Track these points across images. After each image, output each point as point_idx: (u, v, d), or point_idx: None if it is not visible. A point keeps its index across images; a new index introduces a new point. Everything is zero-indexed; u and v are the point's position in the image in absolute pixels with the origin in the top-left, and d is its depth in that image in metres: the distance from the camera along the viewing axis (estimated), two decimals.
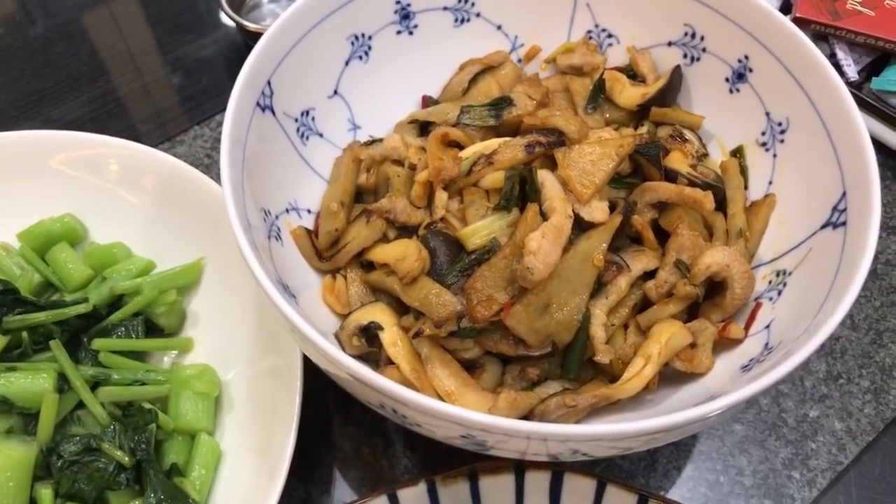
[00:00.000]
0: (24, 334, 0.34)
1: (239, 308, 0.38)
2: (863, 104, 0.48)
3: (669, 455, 0.38)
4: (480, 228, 0.34)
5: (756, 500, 0.37)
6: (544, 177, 0.35)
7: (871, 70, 0.50)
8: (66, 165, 0.41)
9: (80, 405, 0.34)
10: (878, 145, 0.48)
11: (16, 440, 0.31)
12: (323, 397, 0.39)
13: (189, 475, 0.33)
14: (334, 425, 0.39)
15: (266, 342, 0.37)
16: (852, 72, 0.49)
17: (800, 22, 0.50)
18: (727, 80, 0.39)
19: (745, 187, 0.39)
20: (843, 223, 0.32)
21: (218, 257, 0.39)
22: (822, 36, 0.50)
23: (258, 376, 0.37)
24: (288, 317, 0.27)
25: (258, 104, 0.35)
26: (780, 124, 0.37)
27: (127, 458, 0.32)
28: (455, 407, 0.25)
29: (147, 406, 0.34)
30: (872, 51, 0.50)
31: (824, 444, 0.38)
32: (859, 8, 0.49)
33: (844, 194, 0.32)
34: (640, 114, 0.41)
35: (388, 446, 0.38)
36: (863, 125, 0.33)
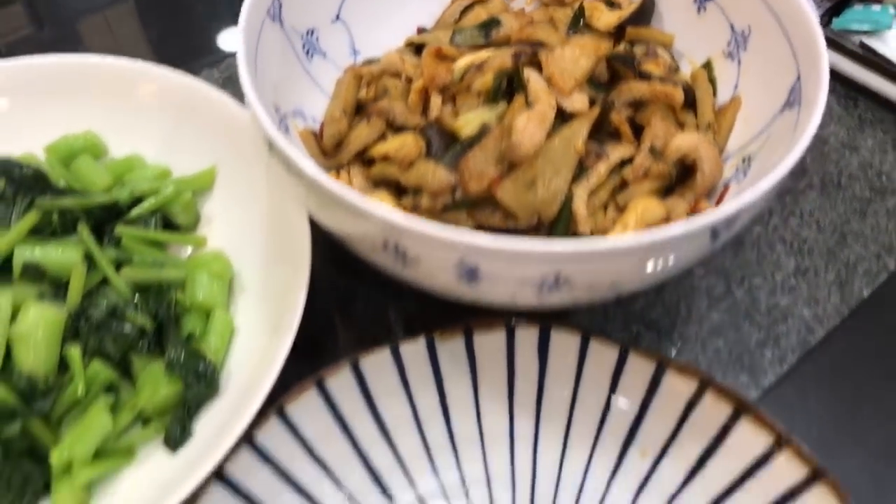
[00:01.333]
0: (55, 216, 0.37)
1: (249, 212, 0.41)
2: (832, 45, 0.52)
3: (650, 340, 0.41)
4: (472, 119, 0.38)
5: (733, 374, 0.40)
6: (530, 73, 0.38)
7: (833, 13, 0.54)
8: (91, 87, 0.44)
9: (104, 285, 0.37)
10: (841, 78, 0.52)
11: (47, 303, 0.34)
12: (327, 300, 0.42)
13: (205, 343, 0.36)
14: (337, 320, 0.42)
15: (275, 241, 0.40)
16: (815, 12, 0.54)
17: None
18: (694, 1, 0.44)
19: (714, 95, 0.42)
20: (798, 102, 0.35)
21: (230, 167, 0.43)
22: None
23: (269, 268, 0.39)
24: (289, 155, 0.30)
25: (268, 13, 0.39)
26: (742, 33, 0.41)
27: (148, 324, 0.35)
28: (450, 228, 0.28)
29: (166, 285, 0.37)
30: None
31: (794, 328, 0.41)
32: None
33: (799, 78, 0.36)
34: (616, 37, 0.45)
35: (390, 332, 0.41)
36: (814, 19, 0.37)
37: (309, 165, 0.30)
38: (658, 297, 0.42)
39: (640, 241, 0.28)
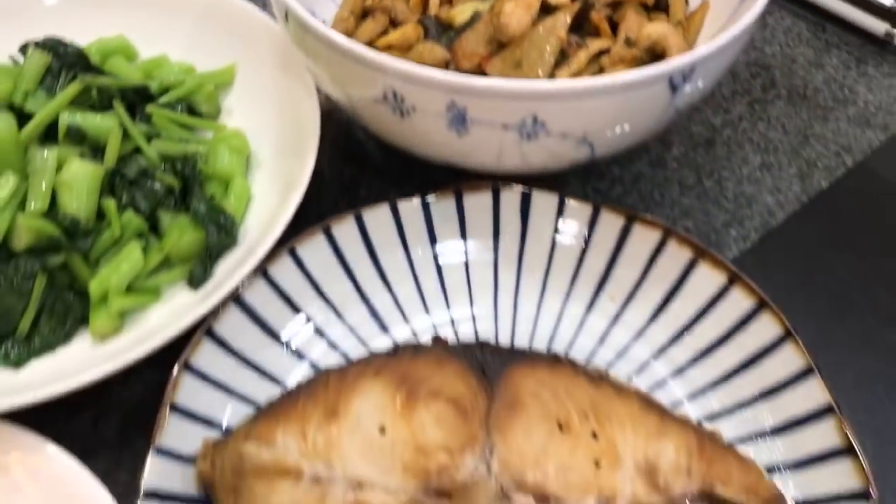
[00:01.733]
0: (94, 92, 0.41)
1: (265, 105, 0.46)
2: None
3: None
4: (465, 9, 0.42)
5: None
6: None
7: None
8: None
9: (136, 153, 0.41)
10: (811, 6, 0.57)
11: (88, 160, 0.39)
12: (333, 188, 0.47)
13: (225, 203, 0.40)
14: (342, 205, 0.47)
15: (288, 128, 0.44)
16: None
17: None
18: None
19: (687, 3, 0.47)
20: None
21: (249, 66, 0.47)
22: None
23: (281, 148, 0.44)
24: (303, 17, 0.35)
25: None
26: None
27: (176, 183, 0.40)
28: (442, 71, 0.33)
29: (191, 156, 0.42)
30: None
31: (757, 212, 0.46)
32: None
33: None
34: None
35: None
36: None
37: (321, 26, 0.35)
38: (634, 186, 0.47)
39: (604, 82, 0.32)
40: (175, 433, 0.32)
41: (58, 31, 0.47)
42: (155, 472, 0.31)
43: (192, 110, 0.45)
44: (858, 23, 0.55)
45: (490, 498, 0.30)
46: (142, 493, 0.30)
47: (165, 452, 0.31)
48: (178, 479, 0.31)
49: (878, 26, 0.54)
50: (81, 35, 0.47)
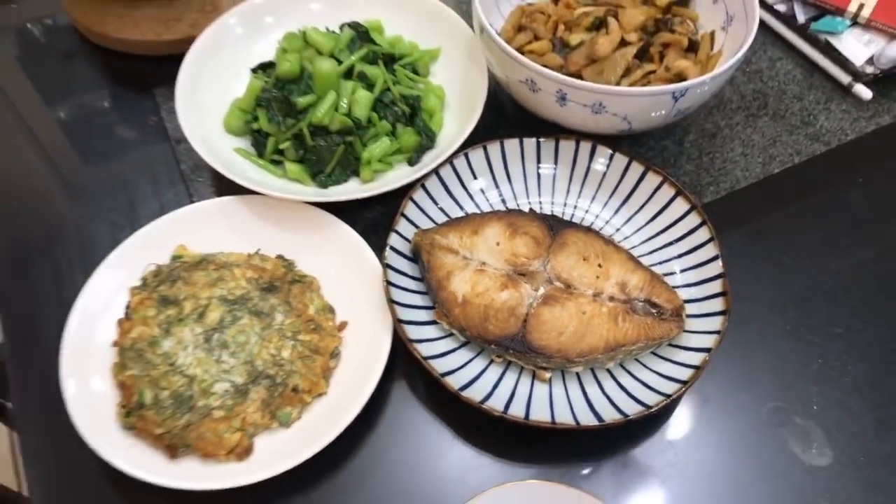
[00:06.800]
0: (370, 53, 0.76)
1: (455, 74, 0.80)
2: (807, 38, 0.86)
3: None
4: (577, 36, 0.75)
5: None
6: (610, 20, 0.75)
7: (813, 19, 0.88)
8: None
9: (387, 91, 0.76)
10: (809, 60, 0.86)
11: (365, 90, 0.74)
12: (485, 132, 0.81)
13: (431, 125, 0.75)
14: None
15: (467, 91, 0.78)
16: (802, 18, 0.87)
17: None
18: None
19: (712, 47, 0.78)
20: (740, 49, 0.70)
21: (448, 50, 0.81)
22: None
23: (462, 96, 0.78)
24: (494, 36, 0.69)
25: None
26: (730, 17, 0.76)
27: (406, 110, 0.75)
28: (558, 74, 0.66)
29: (415, 96, 0.76)
30: (816, 8, 0.87)
31: (729, 180, 0.77)
32: None
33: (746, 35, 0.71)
34: (665, 9, 0.80)
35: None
36: (756, 16, 0.72)
37: (499, 39, 0.68)
38: (660, 153, 0.79)
39: (638, 91, 0.65)
40: (402, 226, 0.67)
41: (354, 14, 0.82)
42: (393, 241, 0.66)
43: (415, 70, 0.80)
44: (833, 74, 0.84)
45: (544, 280, 0.65)
46: (388, 247, 0.65)
47: (398, 233, 0.67)
48: (403, 247, 0.67)
49: (845, 78, 0.83)
50: (360, 16, 0.82)
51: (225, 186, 0.72)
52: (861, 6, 0.84)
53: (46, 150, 0.80)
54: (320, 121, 0.70)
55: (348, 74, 0.75)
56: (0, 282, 0.70)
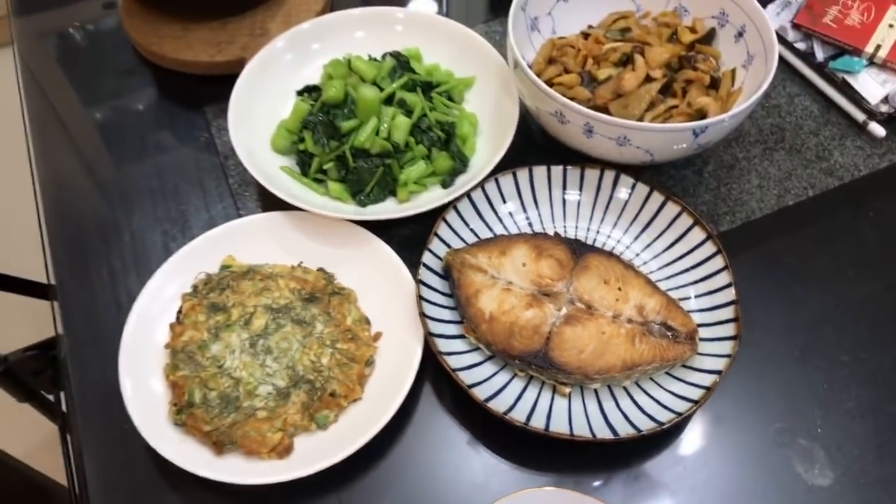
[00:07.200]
0: (409, 81, 0.82)
1: (487, 102, 0.85)
2: (825, 76, 0.90)
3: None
4: (605, 71, 0.79)
5: (706, 222, 0.80)
6: (637, 56, 0.79)
7: (831, 58, 0.92)
8: (409, 28, 0.89)
9: (424, 117, 0.81)
10: (826, 98, 0.90)
11: (404, 115, 0.79)
12: (514, 157, 0.85)
13: (465, 150, 0.80)
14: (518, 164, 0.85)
15: (498, 118, 0.83)
16: (820, 56, 0.91)
17: (797, 26, 0.92)
18: (734, 36, 0.83)
19: (733, 84, 0.82)
20: (760, 88, 0.75)
21: (482, 79, 0.86)
22: (808, 35, 0.93)
23: (494, 123, 0.83)
24: (528, 71, 0.73)
25: (521, 7, 0.82)
26: (751, 56, 0.80)
27: (441, 135, 0.80)
28: (585, 109, 0.70)
29: (450, 122, 0.81)
30: (835, 47, 0.91)
31: (745, 211, 0.81)
32: (829, 22, 0.91)
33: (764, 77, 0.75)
34: (689, 47, 0.85)
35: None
36: (776, 58, 0.76)
37: (532, 73, 0.73)
38: (679, 182, 0.83)
39: (661, 127, 0.69)
40: (435, 245, 0.72)
41: (395, 42, 0.88)
42: (426, 259, 0.71)
43: (450, 97, 0.85)
44: (849, 111, 0.88)
45: (567, 301, 0.69)
46: (421, 265, 0.70)
47: (431, 251, 0.71)
48: (435, 264, 0.72)
49: (860, 115, 0.87)
50: (400, 44, 0.88)
51: (270, 201, 0.77)
52: (878, 47, 0.87)
53: (104, 161, 0.86)
54: (362, 144, 0.76)
55: (389, 101, 0.80)
56: (61, 282, 0.76)
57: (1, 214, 1.93)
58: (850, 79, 0.89)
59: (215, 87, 0.88)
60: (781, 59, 0.93)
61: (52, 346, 1.08)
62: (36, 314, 1.20)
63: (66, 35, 0.99)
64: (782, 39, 0.93)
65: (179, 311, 0.70)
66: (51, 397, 1.21)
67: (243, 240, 0.74)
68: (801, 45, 0.93)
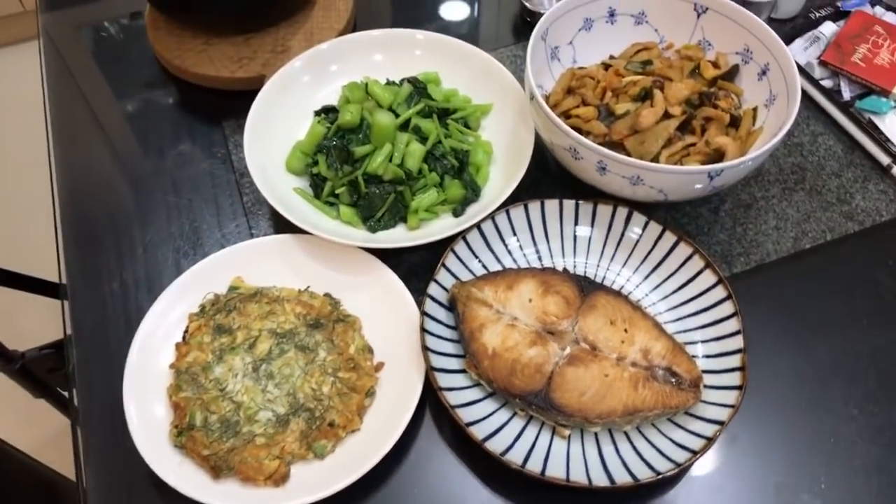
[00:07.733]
0: (425, 107, 0.81)
1: (503, 130, 0.85)
2: (850, 116, 0.88)
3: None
4: (623, 105, 0.78)
5: (719, 265, 0.79)
6: (656, 91, 0.78)
7: (858, 98, 0.90)
8: (432, 52, 0.89)
9: (439, 144, 0.81)
10: (851, 138, 0.88)
11: (418, 142, 0.79)
12: (528, 189, 0.85)
13: (477, 179, 0.80)
14: (529, 196, 0.85)
15: (514, 145, 0.83)
16: (847, 95, 0.89)
17: (824, 63, 0.91)
18: (758, 74, 0.81)
19: (753, 123, 0.80)
20: (782, 130, 0.73)
21: (499, 107, 0.86)
22: (835, 73, 0.91)
23: (508, 154, 0.83)
24: (543, 104, 0.73)
25: (541, 36, 0.81)
26: (774, 96, 0.79)
27: (455, 163, 0.80)
28: (599, 147, 0.70)
29: (464, 150, 0.81)
30: (862, 86, 0.90)
31: (761, 253, 0.80)
32: (857, 61, 0.89)
33: (786, 119, 0.74)
34: (711, 83, 0.83)
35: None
36: (794, 66, 0.75)
37: (548, 108, 0.73)
38: (694, 220, 0.82)
39: (675, 169, 0.68)
40: (442, 276, 0.72)
41: (414, 66, 0.88)
42: (432, 290, 0.71)
43: (466, 124, 0.85)
44: (873, 153, 0.86)
45: (571, 340, 0.69)
46: (426, 297, 0.70)
47: (437, 282, 0.71)
48: (441, 295, 0.72)
49: (885, 158, 0.85)
50: (419, 67, 0.87)
51: (282, 222, 0.78)
52: None
53: (122, 172, 0.87)
54: (375, 170, 0.76)
55: (404, 126, 0.80)
56: (73, 291, 0.77)
57: (19, 215, 1.97)
58: (876, 120, 0.87)
59: (235, 101, 0.89)
60: (806, 97, 0.91)
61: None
62: (53, 311, 1.22)
63: (92, 43, 1.01)
64: (808, 76, 0.91)
65: (186, 331, 0.71)
66: (65, 393, 1.24)
67: (254, 261, 0.75)
68: (827, 83, 0.91)
